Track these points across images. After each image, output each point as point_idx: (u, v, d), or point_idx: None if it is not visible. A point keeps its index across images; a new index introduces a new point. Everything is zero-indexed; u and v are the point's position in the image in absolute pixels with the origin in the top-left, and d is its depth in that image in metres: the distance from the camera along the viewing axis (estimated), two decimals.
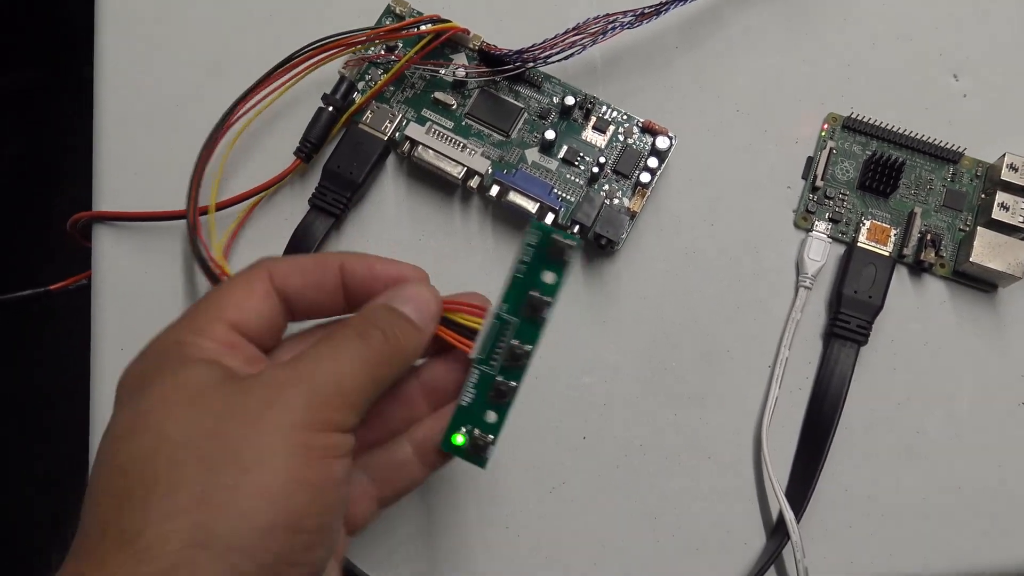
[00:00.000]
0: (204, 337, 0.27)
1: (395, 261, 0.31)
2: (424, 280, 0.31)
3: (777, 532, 0.38)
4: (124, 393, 0.27)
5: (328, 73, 0.42)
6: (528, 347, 0.30)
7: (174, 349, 0.27)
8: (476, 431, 0.31)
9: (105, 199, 0.42)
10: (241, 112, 0.40)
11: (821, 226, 0.42)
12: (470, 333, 0.31)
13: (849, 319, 0.40)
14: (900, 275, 0.41)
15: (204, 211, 0.39)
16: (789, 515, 0.37)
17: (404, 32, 0.43)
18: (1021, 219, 0.40)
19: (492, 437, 0.31)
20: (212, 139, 0.39)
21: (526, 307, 0.30)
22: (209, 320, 0.28)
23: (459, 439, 0.31)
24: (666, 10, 0.42)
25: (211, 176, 0.41)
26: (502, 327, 0.30)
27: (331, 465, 0.25)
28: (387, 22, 0.44)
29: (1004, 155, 0.41)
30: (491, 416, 0.31)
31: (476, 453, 0.31)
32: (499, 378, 0.31)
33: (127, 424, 0.25)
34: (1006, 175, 0.40)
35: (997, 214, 0.40)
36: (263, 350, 0.29)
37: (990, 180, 0.42)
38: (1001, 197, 0.40)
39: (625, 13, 0.41)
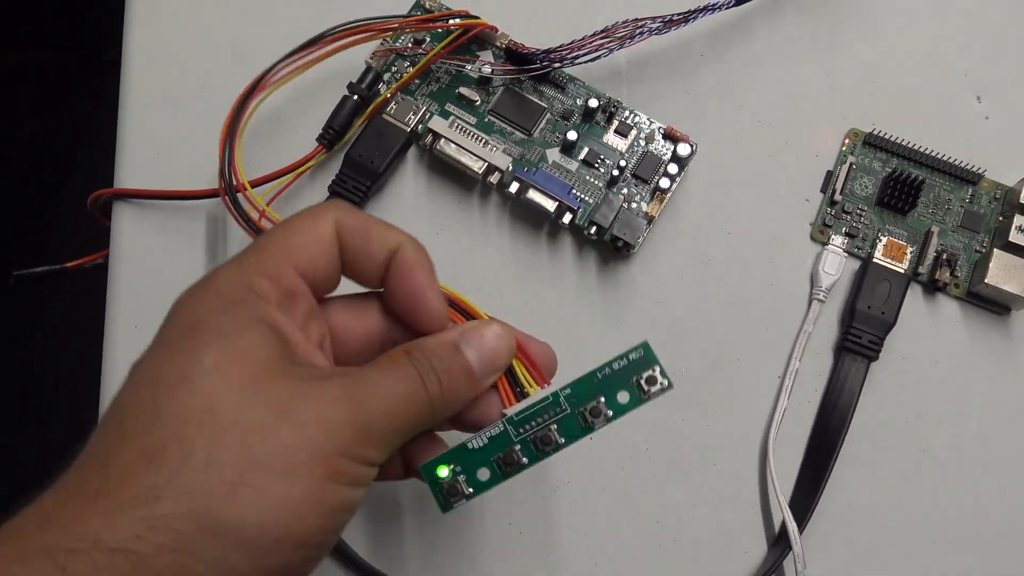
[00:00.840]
0: (271, 282, 0.26)
1: (434, 279, 0.29)
2: (433, 317, 0.29)
3: (779, 542, 0.38)
4: (185, 318, 0.26)
5: (354, 61, 0.42)
6: (562, 441, 0.29)
7: (243, 295, 0.26)
8: (462, 478, 0.29)
9: (127, 177, 0.43)
10: (273, 80, 0.40)
11: (837, 240, 0.42)
12: (517, 385, 0.29)
13: (861, 334, 0.40)
14: (914, 293, 0.41)
15: (237, 189, 0.39)
16: (792, 526, 0.37)
17: (435, 24, 0.43)
18: None
19: (472, 492, 0.29)
20: (244, 101, 0.39)
21: (585, 408, 0.29)
22: (277, 263, 0.27)
23: (443, 472, 0.29)
24: (695, 18, 0.42)
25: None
26: (551, 406, 0.29)
27: (352, 493, 0.25)
28: (418, 14, 0.44)
29: (1023, 178, 0.41)
30: (483, 474, 0.29)
31: (447, 496, 0.29)
32: (518, 447, 0.29)
33: (180, 370, 0.24)
34: None
35: (1015, 237, 0.40)
36: (320, 297, 0.29)
37: (1008, 203, 0.42)
38: (1019, 220, 0.40)
39: (654, 19, 0.41)
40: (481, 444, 0.29)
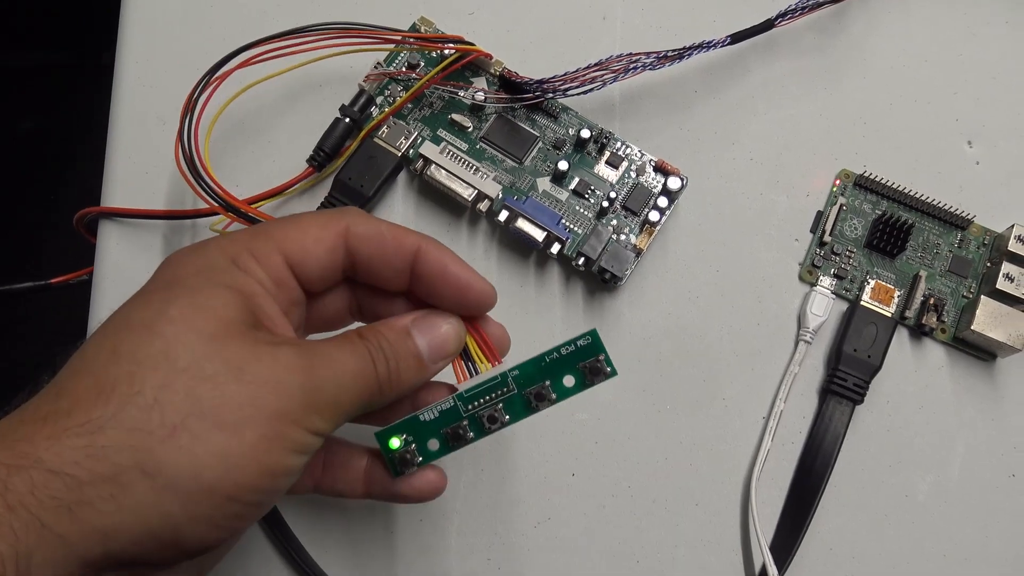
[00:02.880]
0: (257, 264, 0.28)
1: (468, 267, 0.30)
2: (484, 299, 0.30)
3: None
4: (166, 274, 0.27)
5: (346, 75, 0.42)
6: (507, 418, 0.30)
7: (225, 264, 0.27)
8: (413, 447, 0.31)
9: (114, 195, 0.42)
10: (256, 60, 0.39)
11: (826, 281, 0.42)
12: (470, 360, 0.31)
13: (847, 377, 0.40)
14: (900, 337, 0.41)
15: (216, 212, 0.39)
16: (772, 570, 0.37)
17: (432, 45, 0.43)
18: None
19: (420, 460, 0.31)
20: (212, 72, 0.38)
21: (532, 389, 0.30)
22: (268, 249, 0.28)
23: (395, 443, 0.31)
24: (689, 55, 0.42)
25: (218, 171, 0.41)
26: (499, 385, 0.30)
27: (292, 459, 0.26)
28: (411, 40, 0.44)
29: (1013, 226, 0.41)
30: (433, 445, 0.31)
31: (397, 464, 0.31)
32: (465, 423, 0.30)
33: (147, 317, 0.25)
34: (1013, 246, 0.40)
35: (1002, 284, 0.40)
36: (310, 293, 0.30)
37: (997, 249, 0.42)
38: (1007, 268, 0.40)
39: (648, 54, 0.41)
40: (432, 417, 0.30)
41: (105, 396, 0.23)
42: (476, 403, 0.30)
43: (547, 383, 0.30)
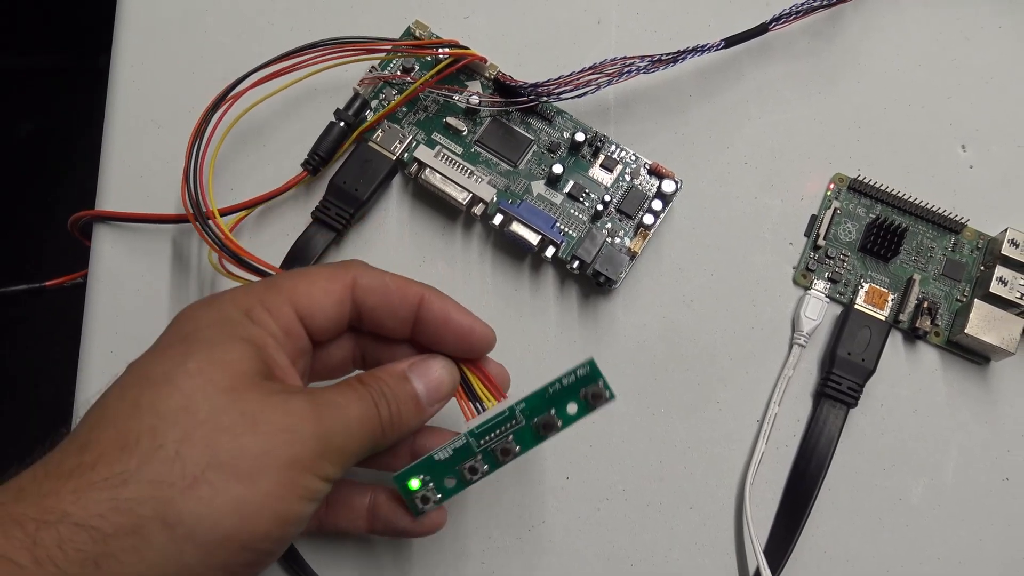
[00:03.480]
0: (270, 316, 0.29)
1: (469, 313, 0.32)
2: (485, 342, 0.32)
3: None
4: (183, 327, 0.28)
5: (342, 81, 0.42)
6: (518, 449, 0.32)
7: (239, 317, 0.28)
8: (431, 486, 0.32)
9: (109, 199, 0.42)
10: (246, 93, 0.40)
11: (820, 285, 0.42)
12: (476, 400, 0.32)
13: (841, 380, 0.40)
14: (894, 340, 0.41)
15: (208, 216, 0.39)
16: (766, 573, 0.37)
17: (426, 51, 0.43)
18: (1019, 295, 0.40)
19: (440, 497, 0.32)
20: (221, 99, 0.39)
21: (539, 420, 0.31)
22: (280, 301, 0.29)
23: (414, 484, 0.32)
24: (683, 59, 0.42)
25: (215, 177, 0.41)
26: (508, 419, 0.31)
27: (303, 506, 0.27)
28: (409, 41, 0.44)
29: (1006, 229, 0.41)
30: (450, 482, 0.32)
31: (418, 504, 0.32)
32: (479, 457, 0.32)
33: (166, 371, 0.26)
34: (1007, 250, 0.41)
35: (995, 288, 0.40)
36: (318, 341, 0.31)
37: (990, 253, 0.42)
38: (1000, 271, 0.40)
39: (642, 58, 0.41)
40: (446, 456, 0.32)
41: (129, 450, 0.24)
42: (488, 437, 0.31)
43: (552, 412, 0.31)
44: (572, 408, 0.31)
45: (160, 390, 0.26)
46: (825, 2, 0.45)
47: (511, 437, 0.31)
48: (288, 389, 0.28)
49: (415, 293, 0.32)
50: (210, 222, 0.37)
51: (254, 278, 0.37)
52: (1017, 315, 0.40)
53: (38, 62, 1.08)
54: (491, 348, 0.33)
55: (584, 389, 0.31)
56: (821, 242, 0.42)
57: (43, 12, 1.06)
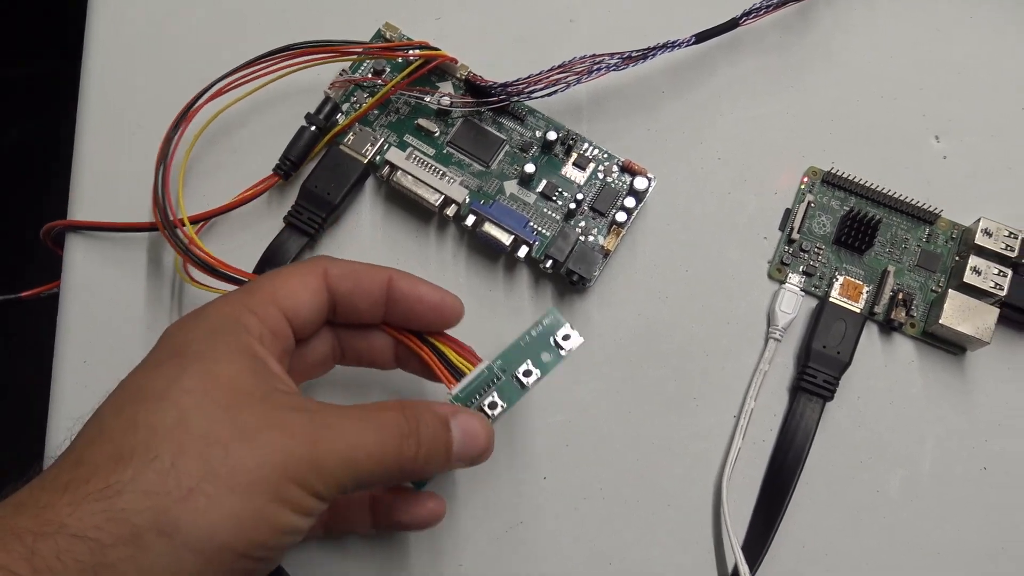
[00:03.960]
0: (256, 317, 0.29)
1: (437, 287, 0.34)
2: (455, 312, 0.34)
3: None
4: (174, 341, 0.29)
5: (313, 86, 0.42)
6: (504, 404, 0.33)
7: (229, 326, 0.29)
8: None
9: (82, 208, 0.42)
10: (216, 97, 0.40)
11: (795, 279, 0.42)
12: (454, 369, 0.33)
13: (816, 374, 0.40)
14: (870, 332, 0.41)
15: (177, 224, 0.39)
16: (744, 568, 0.37)
17: (396, 53, 0.43)
18: (992, 284, 0.40)
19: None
20: (192, 105, 0.39)
21: (518, 371, 0.33)
22: (263, 302, 0.30)
23: None
24: (653, 55, 0.42)
25: (187, 184, 0.41)
26: (489, 377, 0.33)
27: (298, 520, 0.27)
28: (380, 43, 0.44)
29: (979, 219, 0.41)
30: None
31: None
32: None
33: (161, 387, 0.26)
34: (980, 240, 0.41)
35: (969, 278, 0.40)
36: (301, 338, 0.32)
37: (965, 243, 0.42)
38: (974, 261, 0.40)
39: (612, 55, 0.41)
40: None
41: (124, 462, 0.24)
42: (474, 399, 0.33)
43: (528, 362, 0.33)
44: (546, 356, 0.33)
45: (156, 406, 0.26)
46: None
47: (496, 394, 0.33)
48: (290, 404, 0.28)
49: (383, 273, 0.33)
50: (179, 231, 0.37)
51: (224, 286, 0.37)
52: (992, 304, 0.40)
53: (26, 69, 1.08)
54: (460, 318, 0.34)
55: (552, 336, 0.33)
56: (795, 236, 0.42)
57: (31, 19, 1.06)
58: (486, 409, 0.33)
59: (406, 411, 0.30)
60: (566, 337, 0.34)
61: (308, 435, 0.27)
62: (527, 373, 0.33)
